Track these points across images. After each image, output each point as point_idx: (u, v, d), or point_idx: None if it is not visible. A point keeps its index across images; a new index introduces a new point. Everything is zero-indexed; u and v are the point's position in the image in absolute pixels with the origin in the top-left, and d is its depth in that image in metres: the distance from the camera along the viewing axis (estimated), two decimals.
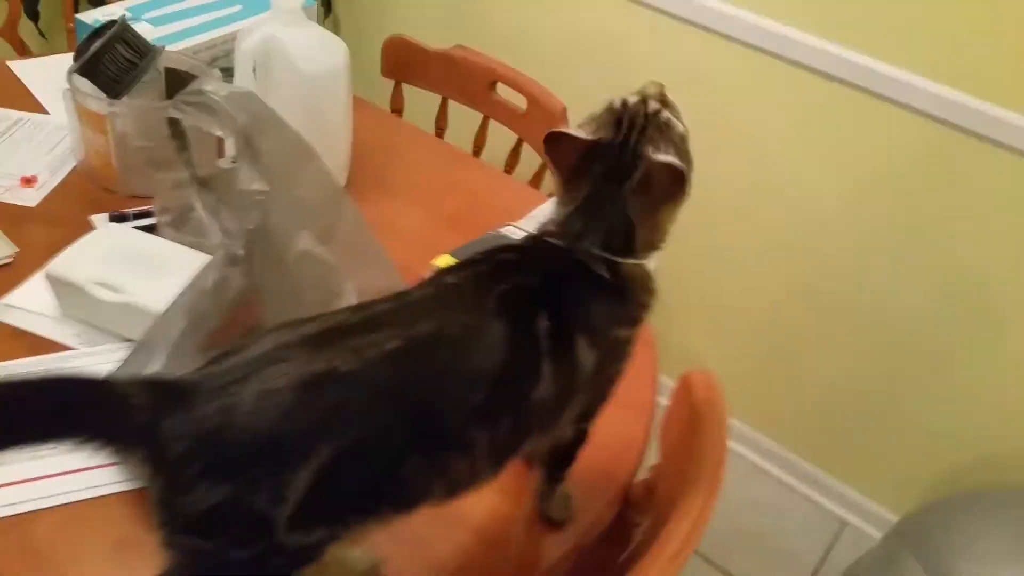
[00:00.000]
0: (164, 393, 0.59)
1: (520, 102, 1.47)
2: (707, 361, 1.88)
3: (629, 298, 0.74)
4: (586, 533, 0.86)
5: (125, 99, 1.11)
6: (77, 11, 1.67)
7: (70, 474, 0.81)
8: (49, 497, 0.79)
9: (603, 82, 1.55)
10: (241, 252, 0.80)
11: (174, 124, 0.92)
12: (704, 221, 1.62)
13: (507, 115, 1.50)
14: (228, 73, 1.20)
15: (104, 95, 1.11)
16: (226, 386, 0.59)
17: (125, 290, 0.90)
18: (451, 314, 0.67)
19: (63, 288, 0.93)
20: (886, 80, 1.41)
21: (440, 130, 1.58)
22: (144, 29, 1.23)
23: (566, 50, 1.77)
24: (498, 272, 0.72)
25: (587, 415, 0.77)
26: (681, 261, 1.57)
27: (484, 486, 0.68)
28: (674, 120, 0.73)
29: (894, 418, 1.69)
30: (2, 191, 1.15)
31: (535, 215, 1.18)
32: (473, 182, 1.34)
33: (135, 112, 1.11)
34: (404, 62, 1.56)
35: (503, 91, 1.51)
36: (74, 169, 1.20)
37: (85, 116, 1.13)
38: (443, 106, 1.57)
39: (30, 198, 1.15)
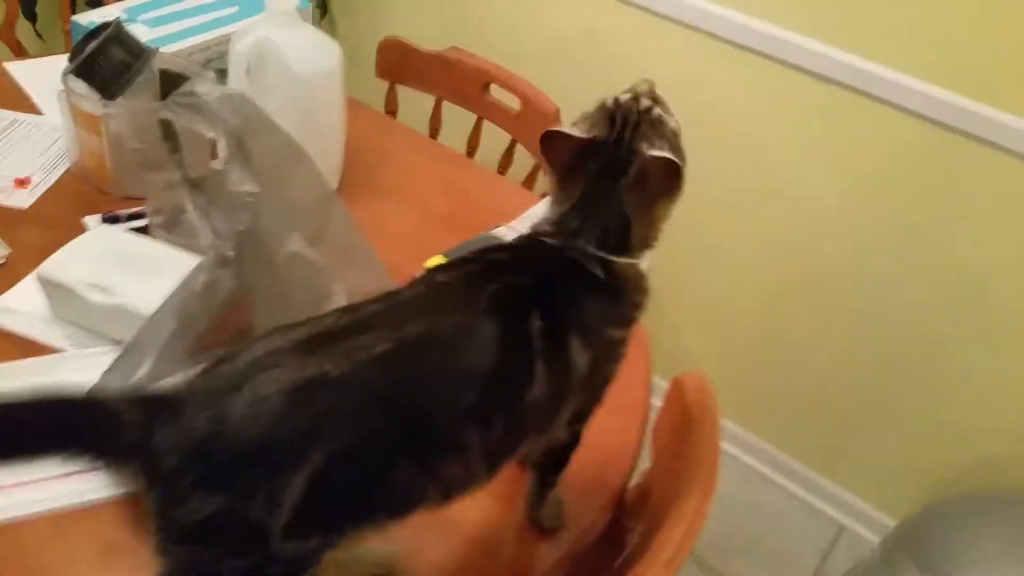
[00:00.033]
0: (155, 407, 0.59)
1: (514, 103, 1.47)
2: (702, 362, 1.88)
3: (623, 298, 0.74)
4: (580, 539, 0.85)
5: (119, 100, 1.11)
6: (74, 12, 1.67)
7: (56, 480, 0.80)
8: (37, 503, 0.79)
9: (595, 82, 1.55)
10: (231, 254, 0.80)
11: (166, 126, 0.92)
12: (698, 221, 1.62)
13: (501, 116, 1.50)
14: (223, 74, 1.20)
15: (98, 96, 1.11)
16: (217, 396, 0.59)
17: (116, 292, 0.90)
18: (442, 314, 0.66)
19: (54, 290, 0.93)
20: (884, 82, 1.41)
21: (434, 131, 1.58)
22: (140, 30, 1.23)
23: (560, 51, 1.77)
24: (490, 271, 0.72)
25: (580, 417, 0.77)
26: (676, 260, 1.58)
27: (479, 489, 0.68)
28: (666, 116, 0.73)
29: (892, 420, 1.68)
30: None
31: (528, 215, 1.18)
32: (466, 183, 1.34)
33: (129, 113, 1.11)
34: (398, 63, 1.56)
35: (497, 92, 1.50)
36: (68, 170, 1.20)
37: (79, 117, 1.13)
38: (437, 107, 1.57)
39: (23, 199, 1.15)
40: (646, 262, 0.75)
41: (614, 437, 0.91)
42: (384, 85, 1.59)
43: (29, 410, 0.56)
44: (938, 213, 1.46)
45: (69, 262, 0.93)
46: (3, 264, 1.04)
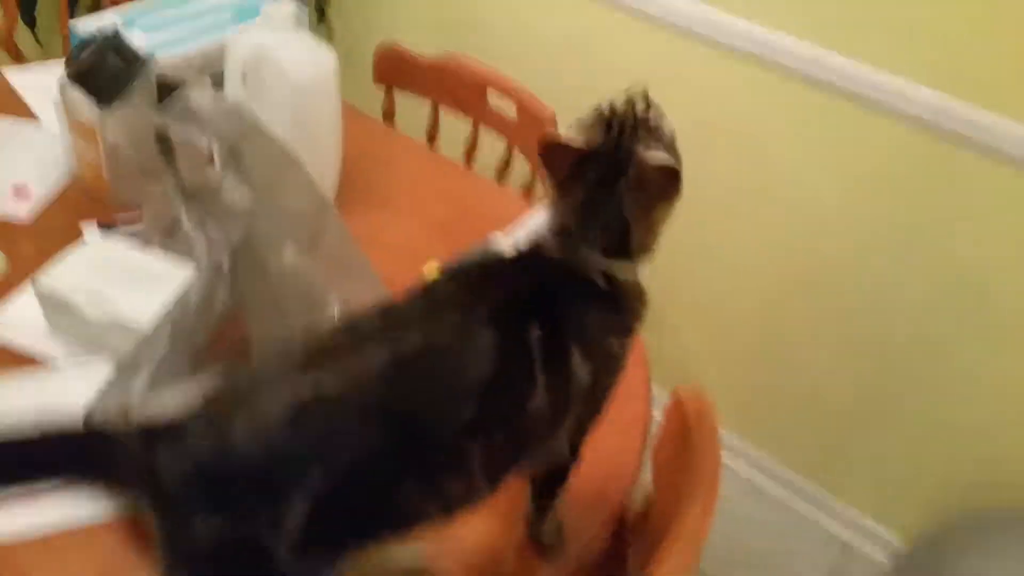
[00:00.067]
0: (158, 435, 0.59)
1: (511, 109, 1.47)
2: (701, 364, 1.87)
3: (623, 307, 0.74)
4: (581, 555, 0.85)
5: (115, 108, 1.11)
6: (72, 16, 1.67)
7: (52, 502, 0.79)
8: (32, 525, 0.78)
9: (592, 87, 1.55)
10: (226, 264, 0.80)
11: (161, 134, 0.92)
12: (698, 222, 1.61)
13: (498, 122, 1.50)
14: (221, 80, 1.20)
15: (94, 105, 1.10)
16: (217, 418, 0.60)
17: (113, 305, 0.90)
18: (440, 327, 0.66)
19: (50, 304, 0.93)
20: (882, 85, 1.40)
21: (432, 136, 1.58)
22: (137, 37, 1.23)
23: (557, 56, 1.76)
24: (489, 282, 0.72)
25: (580, 430, 0.76)
26: (676, 261, 1.55)
27: (482, 503, 0.68)
28: (662, 121, 0.74)
29: (892, 422, 1.67)
30: None
31: (525, 224, 1.18)
32: (463, 191, 1.34)
33: (125, 121, 1.11)
34: (395, 69, 1.56)
35: (494, 98, 1.50)
36: (65, 179, 1.20)
37: (76, 126, 1.13)
38: (435, 112, 1.57)
39: (20, 208, 1.15)
40: (645, 271, 0.75)
41: (615, 452, 0.91)
42: (382, 89, 1.59)
43: (32, 444, 0.57)
44: (937, 214, 1.46)
45: (64, 275, 0.93)
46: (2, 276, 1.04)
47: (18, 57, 1.75)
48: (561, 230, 0.73)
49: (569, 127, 0.75)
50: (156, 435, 0.59)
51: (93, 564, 0.78)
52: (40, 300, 0.93)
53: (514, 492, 0.83)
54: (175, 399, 0.61)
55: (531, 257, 0.74)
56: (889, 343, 1.62)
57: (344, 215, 0.96)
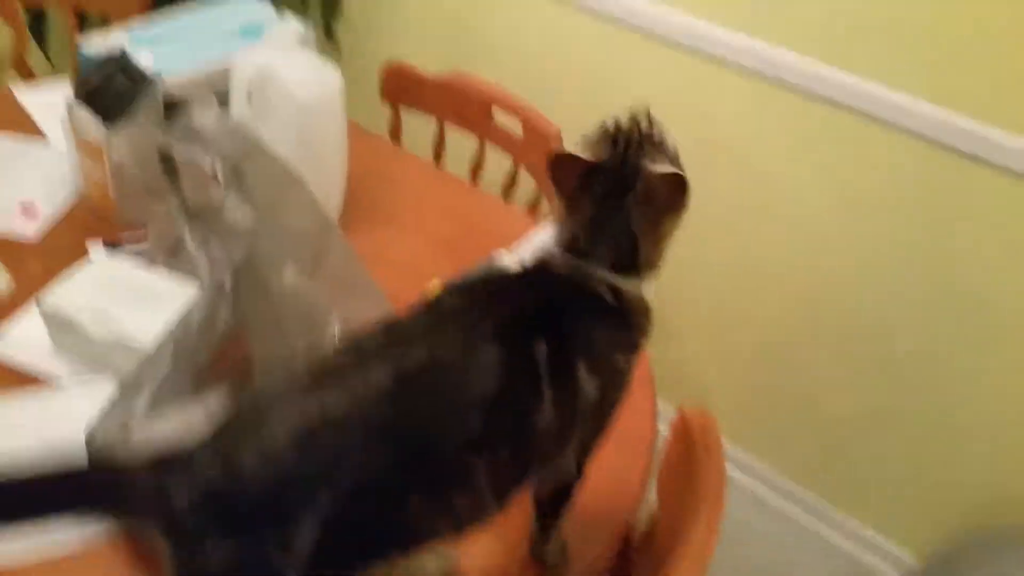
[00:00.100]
0: (168, 466, 0.60)
1: (517, 126, 1.47)
2: (703, 378, 1.87)
3: (630, 323, 0.74)
4: (586, 573, 0.84)
5: (121, 128, 1.12)
6: (81, 31, 1.69)
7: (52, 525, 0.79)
8: (32, 548, 0.78)
9: (597, 104, 1.55)
10: (228, 283, 0.80)
11: (165, 154, 0.92)
12: (700, 238, 1.62)
13: (504, 139, 1.50)
14: (227, 100, 1.20)
15: (101, 125, 1.11)
16: (226, 443, 0.60)
17: (117, 324, 0.90)
18: (445, 343, 0.66)
19: (55, 323, 0.93)
20: (882, 101, 1.40)
21: (438, 153, 1.59)
22: (144, 55, 1.24)
23: (564, 72, 1.77)
24: (495, 298, 0.72)
25: (586, 448, 0.76)
26: (678, 280, 1.57)
27: (490, 521, 0.68)
28: (665, 136, 0.74)
29: (893, 436, 1.66)
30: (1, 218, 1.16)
31: (530, 240, 1.18)
32: (468, 209, 1.34)
33: (131, 141, 1.11)
34: (401, 87, 1.57)
35: (501, 115, 1.51)
36: (72, 197, 1.21)
37: (82, 145, 1.14)
38: (441, 130, 1.58)
39: (28, 227, 1.15)
40: (651, 288, 0.75)
41: (620, 470, 0.91)
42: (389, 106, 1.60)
43: (40, 484, 0.57)
44: (937, 227, 1.45)
45: (69, 294, 0.93)
46: (7, 292, 1.04)
47: (29, 75, 1.77)
48: (569, 245, 0.73)
49: (575, 144, 0.75)
50: (166, 466, 0.60)
51: None
52: (45, 319, 0.93)
53: (518, 512, 0.83)
54: (176, 419, 0.61)
55: (537, 272, 0.74)
56: (890, 358, 1.61)
57: (349, 232, 0.96)
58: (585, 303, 0.71)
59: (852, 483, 1.77)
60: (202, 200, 0.86)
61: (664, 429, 0.91)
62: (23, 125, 1.34)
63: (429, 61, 1.58)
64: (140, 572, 0.61)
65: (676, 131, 0.76)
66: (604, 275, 0.72)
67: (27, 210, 1.18)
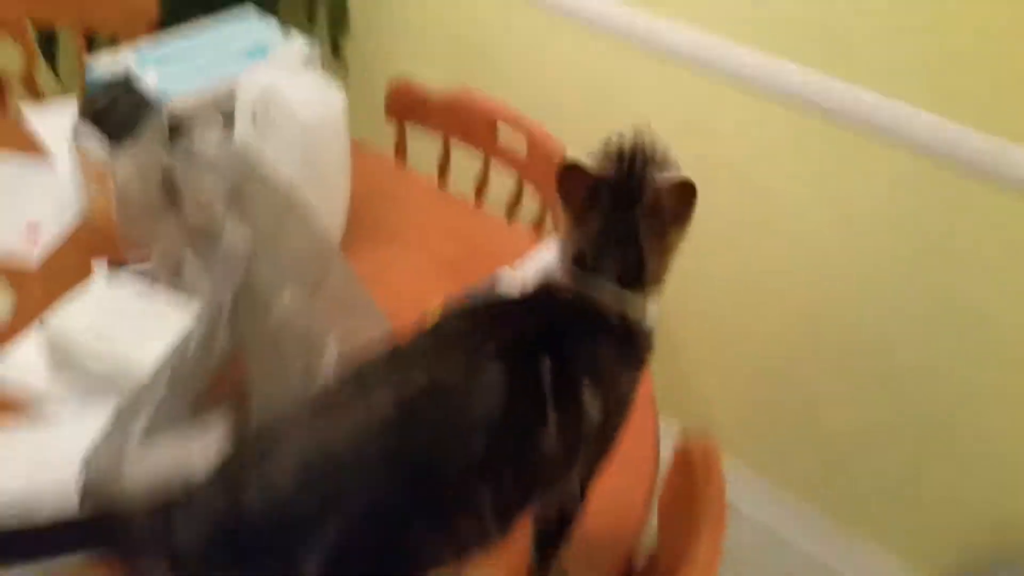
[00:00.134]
0: (171, 507, 0.60)
1: (523, 144, 1.47)
2: (704, 393, 1.86)
3: (635, 341, 0.74)
4: None
5: (126, 149, 1.12)
6: (91, 51, 1.70)
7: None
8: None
9: (601, 121, 1.56)
10: (228, 306, 0.80)
11: (167, 176, 0.92)
12: (702, 253, 1.61)
13: (509, 157, 1.50)
14: (232, 120, 1.21)
15: (106, 146, 1.12)
16: (230, 476, 0.60)
17: (119, 349, 0.90)
18: (449, 367, 0.66)
19: (56, 346, 0.93)
20: (884, 115, 1.40)
21: (443, 171, 1.59)
22: (150, 75, 1.24)
23: (570, 90, 1.77)
24: (499, 319, 0.71)
25: (589, 471, 0.76)
26: (679, 296, 1.56)
27: (493, 547, 0.67)
28: (667, 153, 0.74)
29: (893, 453, 1.65)
30: (5, 239, 1.16)
31: (533, 258, 1.18)
32: (472, 229, 1.34)
33: (136, 162, 1.11)
34: (406, 104, 1.57)
35: (507, 133, 1.51)
36: (77, 218, 1.21)
37: (87, 165, 1.14)
38: (446, 147, 1.58)
39: (32, 248, 1.16)
40: (655, 305, 0.74)
41: (622, 497, 0.90)
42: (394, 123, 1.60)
43: (44, 531, 0.58)
44: (938, 241, 1.44)
45: (71, 318, 0.93)
46: (9, 316, 1.04)
47: (38, 95, 1.78)
48: (576, 259, 0.73)
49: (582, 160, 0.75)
50: (171, 506, 0.60)
51: None
52: (47, 343, 0.93)
53: (520, 537, 0.82)
54: (173, 447, 0.61)
55: (540, 294, 0.74)
56: (891, 373, 1.60)
57: (352, 252, 0.96)
58: (589, 324, 0.71)
59: (853, 498, 1.75)
60: (202, 222, 0.87)
61: (664, 446, 0.91)
62: (31, 145, 1.35)
63: (435, 78, 1.59)
64: None
65: (677, 147, 0.76)
66: (610, 290, 0.72)
67: (32, 231, 1.18)
